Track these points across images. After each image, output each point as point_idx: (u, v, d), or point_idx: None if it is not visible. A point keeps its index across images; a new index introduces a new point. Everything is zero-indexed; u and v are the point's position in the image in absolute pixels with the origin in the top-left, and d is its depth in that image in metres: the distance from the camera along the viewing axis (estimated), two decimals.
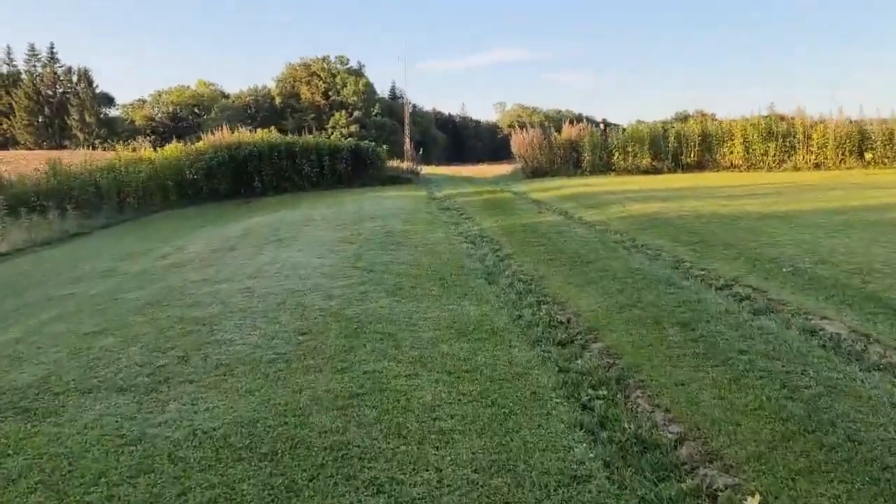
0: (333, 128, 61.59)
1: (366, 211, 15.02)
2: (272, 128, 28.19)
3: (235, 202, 22.97)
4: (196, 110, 69.68)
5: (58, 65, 64.44)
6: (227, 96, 71.79)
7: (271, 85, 71.93)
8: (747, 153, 23.42)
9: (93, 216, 21.84)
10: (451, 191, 20.91)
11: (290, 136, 25.79)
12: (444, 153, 67.96)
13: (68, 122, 61.52)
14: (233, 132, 26.35)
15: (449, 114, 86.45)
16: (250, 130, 27.39)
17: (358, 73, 70.30)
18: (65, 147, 53.47)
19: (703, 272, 7.17)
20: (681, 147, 24.38)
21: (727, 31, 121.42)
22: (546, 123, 28.82)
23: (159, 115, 69.33)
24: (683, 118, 32.08)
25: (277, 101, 69.42)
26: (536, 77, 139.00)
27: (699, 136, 24.14)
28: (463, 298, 6.58)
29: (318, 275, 7.97)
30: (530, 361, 4.64)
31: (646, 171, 24.25)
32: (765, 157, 23.15)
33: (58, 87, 63.92)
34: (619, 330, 5.25)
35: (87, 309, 7.35)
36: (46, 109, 62.44)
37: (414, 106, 68.01)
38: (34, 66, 64.48)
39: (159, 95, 71.38)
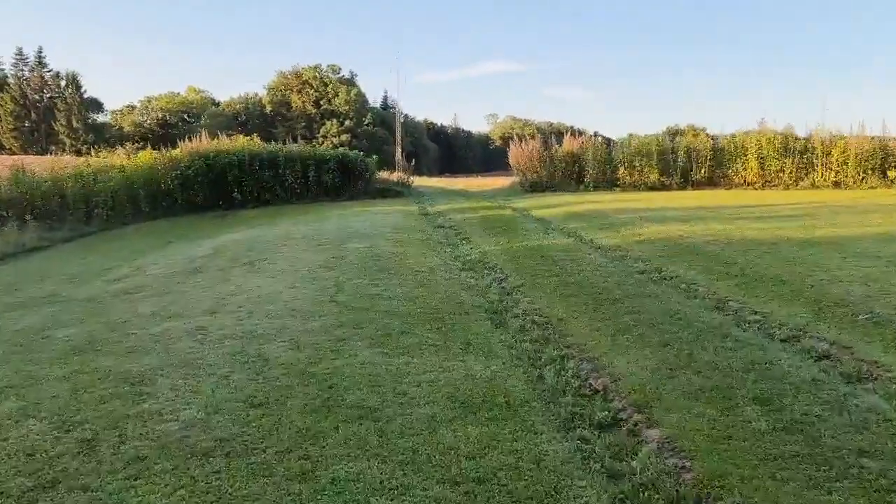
0: (324, 137, 61.89)
1: (352, 228, 13.77)
2: (254, 136, 26.92)
3: (212, 215, 21.67)
4: (186, 117, 69.57)
5: (45, 69, 64.11)
6: (217, 104, 71.86)
7: (262, 93, 72.05)
8: (762, 170, 22.37)
9: (56, 228, 20.52)
10: (446, 206, 19.71)
11: (273, 144, 24.53)
12: (435, 164, 68.53)
13: (55, 127, 61.10)
14: (213, 139, 25.13)
15: (441, 124, 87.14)
16: (229, 137, 26.14)
17: (350, 83, 70.40)
18: (50, 153, 51.56)
19: (757, 317, 5.95)
20: (690, 162, 23.28)
21: (718, 48, 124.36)
22: (543, 136, 27.65)
23: (148, 121, 68.97)
24: (675, 133, 31.12)
25: (268, 109, 69.48)
26: (528, 90, 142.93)
27: (710, 150, 23.06)
28: (466, 350, 5.33)
29: (289, 312, 6.71)
30: (566, 462, 3.39)
31: (652, 188, 23.15)
32: (780, 174, 22.11)
33: (45, 91, 63.62)
34: (678, 408, 4.02)
35: (1, 352, 6.05)
36: (33, 114, 62.10)
37: (406, 116, 68.93)
38: (21, 70, 64.05)
39: (149, 102, 71.07)
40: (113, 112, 70.56)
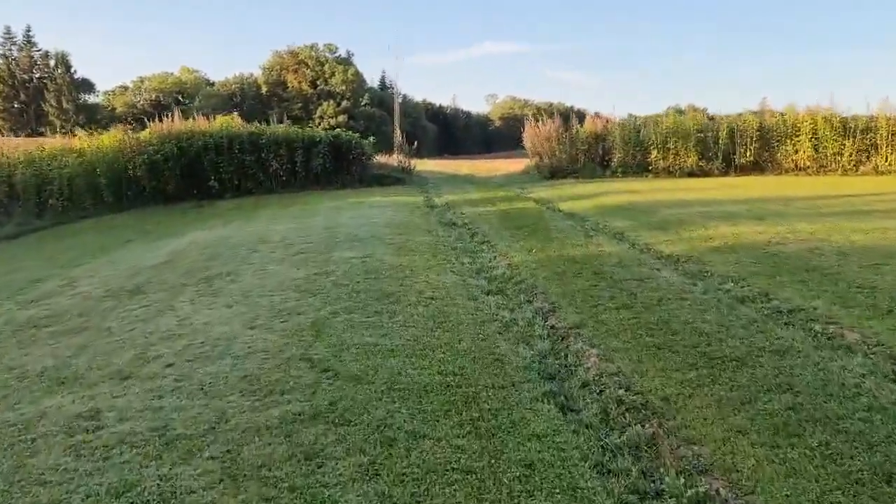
0: (321, 118, 61.04)
1: (343, 228, 11.55)
2: (235, 114, 24.62)
3: (185, 206, 19.46)
4: (180, 98, 68.40)
5: (35, 49, 63.41)
6: (211, 84, 70.89)
7: (257, 73, 70.73)
8: (816, 152, 20.07)
9: (2, 223, 18.36)
10: (454, 196, 17.47)
11: (256, 124, 22.23)
12: (434, 145, 66.98)
13: (45, 108, 60.47)
14: (187, 119, 22.82)
15: (440, 105, 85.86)
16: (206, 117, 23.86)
17: (347, 62, 68.71)
18: (41, 134, 53.44)
19: None
20: (733, 144, 20.98)
21: (719, 27, 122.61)
22: (561, 115, 25.30)
23: (141, 102, 67.94)
24: (677, 112, 29.44)
25: (264, 89, 68.13)
26: (527, 70, 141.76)
27: (756, 130, 20.74)
28: (527, 488, 3.14)
29: (235, 382, 4.51)
30: None
31: (691, 174, 20.87)
32: (838, 158, 19.81)
33: (34, 71, 63.05)
34: None
35: None
36: (22, 95, 61.55)
37: (404, 96, 68.11)
38: (10, 49, 63.19)
39: (141, 82, 70.14)
40: (105, 93, 69.89)
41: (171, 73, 71.88)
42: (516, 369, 4.67)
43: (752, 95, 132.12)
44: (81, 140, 21.43)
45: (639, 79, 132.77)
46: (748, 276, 6.96)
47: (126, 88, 70.69)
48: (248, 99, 66.92)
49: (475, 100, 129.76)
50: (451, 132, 79.61)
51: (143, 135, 20.79)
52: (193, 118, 21.97)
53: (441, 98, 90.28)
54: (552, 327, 5.71)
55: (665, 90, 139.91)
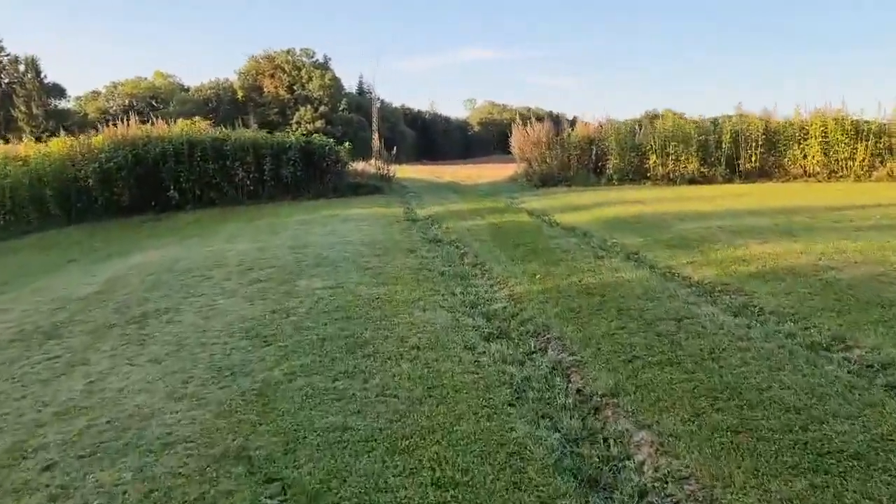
0: (298, 123, 60.97)
1: (311, 248, 10.19)
2: (195, 118, 23.11)
3: (141, 219, 17.97)
4: (154, 103, 67.88)
5: (3, 53, 61.59)
6: (186, 89, 70.51)
7: (233, 78, 70.57)
8: (826, 157, 19.01)
9: None
10: (438, 207, 16.14)
11: (221, 129, 20.77)
12: (413, 151, 67.49)
13: (14, 114, 58.52)
14: (146, 123, 21.29)
15: (418, 110, 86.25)
16: (174, 121, 22.34)
17: (324, 67, 68.77)
18: (7, 140, 49.34)
19: None
20: (737, 149, 19.86)
21: (694, 31, 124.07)
22: (552, 118, 24.06)
23: (114, 107, 66.54)
24: (653, 117, 28.76)
25: (240, 94, 68.07)
26: (505, 75, 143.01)
27: (762, 134, 19.65)
28: None
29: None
30: None
31: (692, 181, 19.72)
32: (850, 163, 18.76)
33: (3, 76, 61.50)
34: None
35: None
36: None
37: (382, 101, 68.87)
38: None
39: (115, 87, 69.62)
40: (77, 98, 68.94)
41: (145, 78, 71.34)
42: (542, 470, 3.35)
43: (728, 99, 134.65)
44: (26, 147, 19.86)
45: (615, 83, 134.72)
46: (810, 314, 5.70)
47: (98, 93, 69.95)
48: (223, 104, 66.57)
49: (454, 105, 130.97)
50: (429, 137, 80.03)
51: (95, 141, 19.25)
52: (127, 123, 20.35)
53: (419, 103, 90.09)
54: (579, 392, 4.40)
55: (642, 96, 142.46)
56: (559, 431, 3.82)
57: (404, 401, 4.21)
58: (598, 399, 4.25)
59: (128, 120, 20.57)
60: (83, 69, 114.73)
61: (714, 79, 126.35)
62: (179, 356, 5.33)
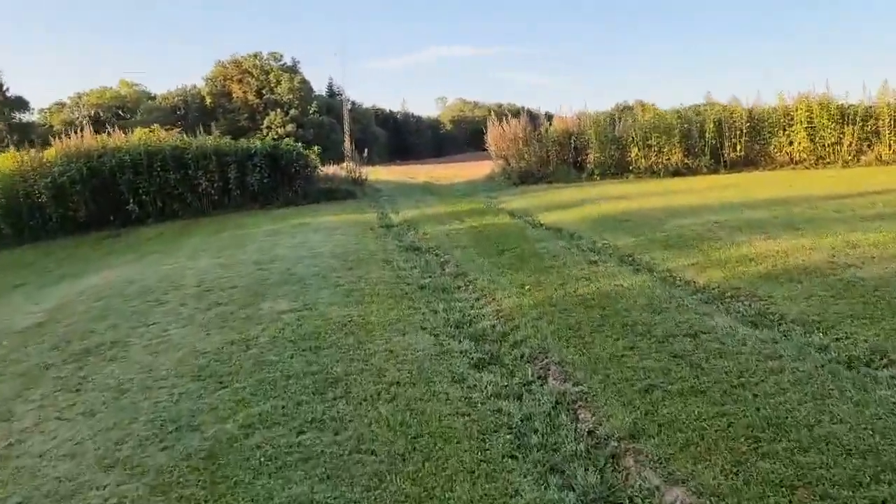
0: (269, 128, 61.07)
1: (278, 263, 9.44)
2: (155, 126, 22.20)
3: (100, 235, 17.04)
4: (120, 112, 67.39)
5: None
6: (153, 97, 70.04)
7: (201, 84, 70.33)
8: (812, 143, 18.59)
9: None
10: (414, 211, 15.42)
11: (183, 137, 19.86)
12: (385, 151, 68.41)
13: None
14: (107, 134, 20.24)
15: (390, 110, 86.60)
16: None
17: (293, 70, 68.68)
18: None
19: None
20: (720, 138, 19.38)
21: (659, 22, 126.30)
22: (529, 113, 23.42)
23: (79, 118, 65.05)
24: (623, 109, 28.61)
25: (208, 101, 67.61)
26: (476, 73, 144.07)
27: (746, 122, 19.18)
28: None
29: None
30: None
31: (676, 172, 19.20)
32: (837, 148, 18.35)
33: None
34: None
35: None
36: None
37: (353, 103, 69.04)
38: None
39: (79, 98, 68.51)
40: (41, 110, 67.99)
41: (110, 88, 70.58)
42: None
43: (694, 89, 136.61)
44: None
45: (586, 77, 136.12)
46: (837, 322, 5.10)
47: (63, 105, 68.91)
48: (192, 111, 66.18)
49: (425, 104, 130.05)
50: (401, 137, 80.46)
51: (47, 154, 18.26)
52: (81, 134, 19.35)
53: (391, 103, 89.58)
54: (591, 435, 3.74)
55: (612, 89, 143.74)
56: (573, 491, 3.17)
57: (384, 458, 3.52)
58: (615, 443, 3.59)
59: (82, 131, 19.56)
60: (47, 81, 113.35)
61: (680, 69, 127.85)
62: (118, 405, 4.59)
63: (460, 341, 5.51)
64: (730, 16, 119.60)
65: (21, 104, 64.57)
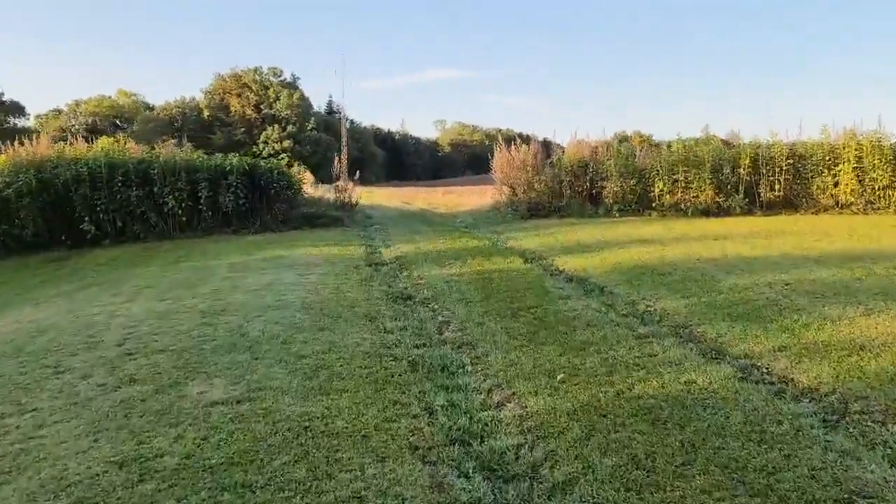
0: (265, 143, 61.62)
1: (230, 315, 7.57)
2: (125, 138, 20.42)
3: (49, 256, 15.20)
4: (118, 122, 67.81)
5: None
6: (151, 108, 70.33)
7: (199, 97, 70.16)
8: (861, 185, 16.89)
9: None
10: (408, 246, 13.59)
11: (149, 150, 18.08)
12: (383, 171, 68.92)
13: None
14: (69, 144, 18.45)
15: (388, 130, 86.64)
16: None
17: (292, 86, 68.62)
18: None
19: None
20: (757, 176, 17.66)
21: (661, 53, 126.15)
22: (540, 141, 21.71)
23: (76, 126, 65.16)
24: (622, 140, 27.38)
25: (206, 113, 67.47)
26: (475, 97, 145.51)
27: (787, 159, 17.46)
28: None
29: None
30: None
31: (706, 212, 17.44)
32: (890, 192, 16.65)
33: None
34: None
35: None
36: None
37: (352, 121, 69.58)
38: None
39: (77, 105, 68.44)
40: (37, 116, 68.02)
41: (109, 97, 70.83)
42: None
43: (695, 121, 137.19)
44: None
45: (582, 105, 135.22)
46: None
47: (60, 112, 68.86)
48: (189, 123, 66.10)
49: (424, 125, 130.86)
50: (399, 158, 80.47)
51: None
52: (36, 141, 17.61)
53: (390, 123, 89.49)
54: None
55: (610, 119, 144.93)
56: None
57: None
58: None
59: (38, 137, 17.78)
60: (45, 88, 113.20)
61: (679, 101, 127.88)
62: None
63: (468, 477, 3.68)
64: (732, 46, 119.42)
65: (17, 109, 65.26)
